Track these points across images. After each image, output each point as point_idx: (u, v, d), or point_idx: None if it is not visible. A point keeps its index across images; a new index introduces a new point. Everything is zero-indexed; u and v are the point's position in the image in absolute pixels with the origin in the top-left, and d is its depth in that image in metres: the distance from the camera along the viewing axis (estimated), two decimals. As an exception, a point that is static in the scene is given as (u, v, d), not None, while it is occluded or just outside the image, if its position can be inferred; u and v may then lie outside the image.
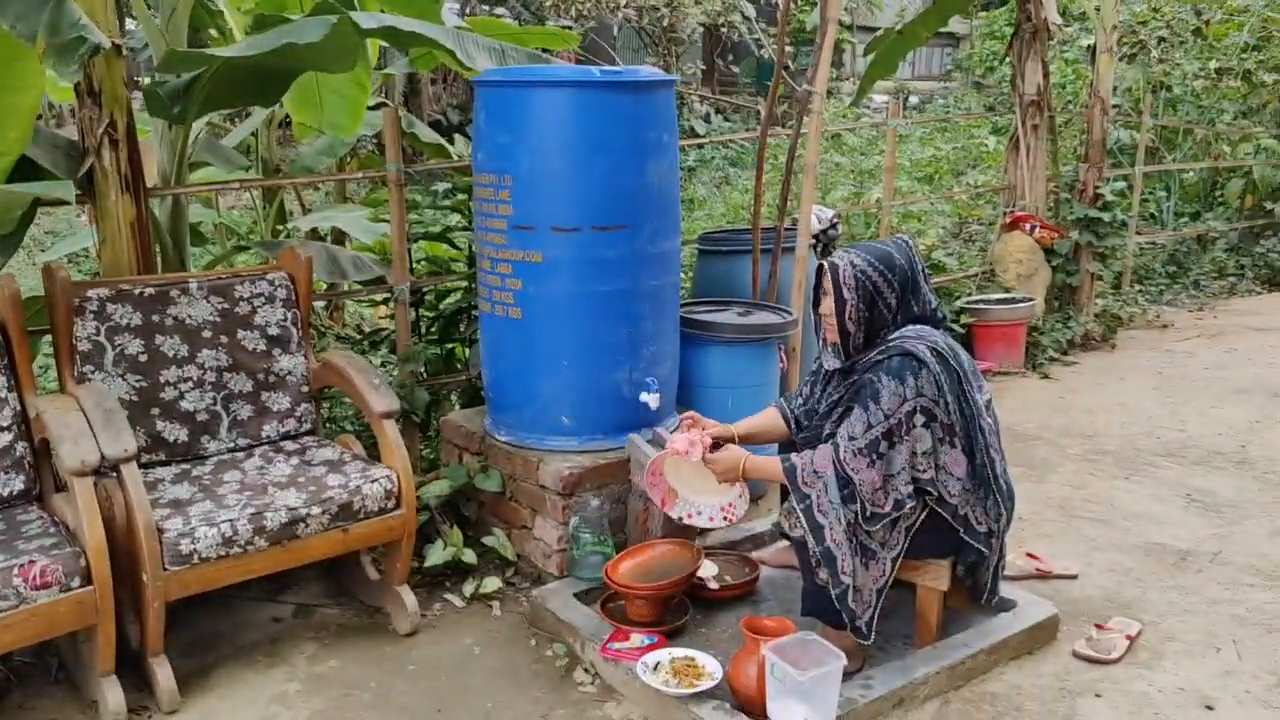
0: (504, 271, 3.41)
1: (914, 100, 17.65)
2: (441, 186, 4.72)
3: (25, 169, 3.30)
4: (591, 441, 3.46)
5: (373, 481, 3.09)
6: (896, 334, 2.84)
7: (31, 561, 2.56)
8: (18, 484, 2.96)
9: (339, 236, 5.99)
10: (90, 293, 3.17)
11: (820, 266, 2.97)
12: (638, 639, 2.95)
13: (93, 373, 3.14)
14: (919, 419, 2.73)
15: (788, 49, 6.50)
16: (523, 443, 3.52)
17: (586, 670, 3.00)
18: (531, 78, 3.40)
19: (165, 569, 2.73)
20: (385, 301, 4.84)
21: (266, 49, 3.09)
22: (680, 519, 3.12)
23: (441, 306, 4.69)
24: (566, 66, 4.03)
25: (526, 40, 4.70)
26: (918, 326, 2.87)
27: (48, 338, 3.22)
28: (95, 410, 2.78)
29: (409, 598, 3.22)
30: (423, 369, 4.23)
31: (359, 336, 5.21)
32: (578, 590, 3.27)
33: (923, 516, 2.81)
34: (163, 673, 2.79)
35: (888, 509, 2.74)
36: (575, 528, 3.32)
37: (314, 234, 5.61)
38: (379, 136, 4.70)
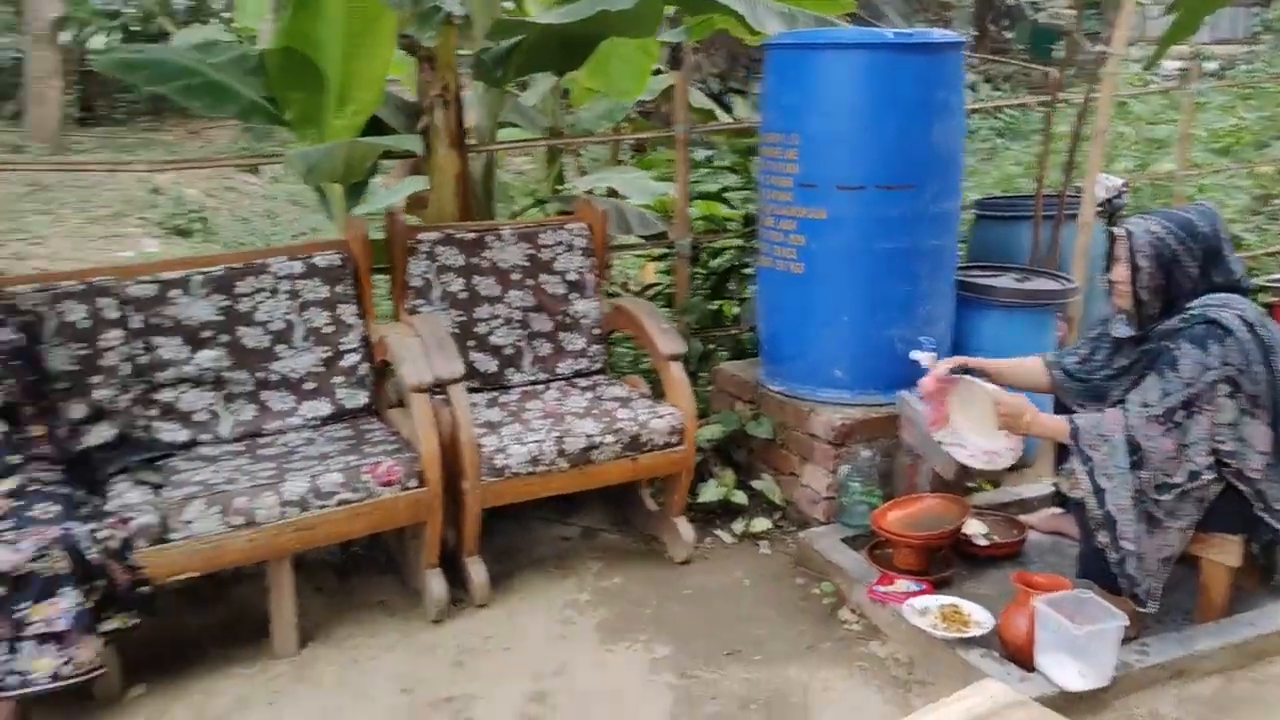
0: (787, 228, 3.56)
1: (1211, 65, 16.25)
2: (702, 154, 4.89)
3: (371, 126, 3.76)
4: (863, 395, 3.57)
5: (659, 417, 3.34)
6: (1199, 302, 2.77)
7: (378, 463, 2.98)
8: (361, 398, 3.43)
9: (613, 195, 6.33)
10: (422, 236, 3.59)
11: (1113, 233, 2.93)
12: (904, 584, 3.06)
13: (422, 306, 3.57)
14: (1223, 388, 2.66)
15: (1069, 11, 6.23)
16: (795, 393, 3.68)
17: (852, 610, 3.14)
18: (825, 40, 3.52)
19: (482, 479, 3.09)
20: (663, 256, 5.12)
21: (582, 16, 3.37)
22: (943, 444, 3.14)
23: (713, 265, 4.91)
24: (857, 29, 4.10)
25: (804, 3, 4.81)
26: (1223, 295, 2.79)
27: (378, 276, 3.66)
28: (430, 337, 3.18)
29: (685, 529, 3.46)
30: (694, 322, 4.47)
31: (633, 291, 5.52)
32: (844, 536, 3.40)
33: (1218, 490, 2.74)
34: (477, 571, 3.17)
35: (1179, 479, 2.70)
36: (845, 476, 3.45)
37: (590, 194, 5.97)
38: (643, 102, 4.93)
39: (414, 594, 3.25)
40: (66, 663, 2.46)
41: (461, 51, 3.85)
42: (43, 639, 2.45)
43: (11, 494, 2.65)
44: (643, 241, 5.01)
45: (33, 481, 2.73)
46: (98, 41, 14.71)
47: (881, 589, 3.06)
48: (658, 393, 3.60)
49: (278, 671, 2.88)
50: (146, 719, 2.67)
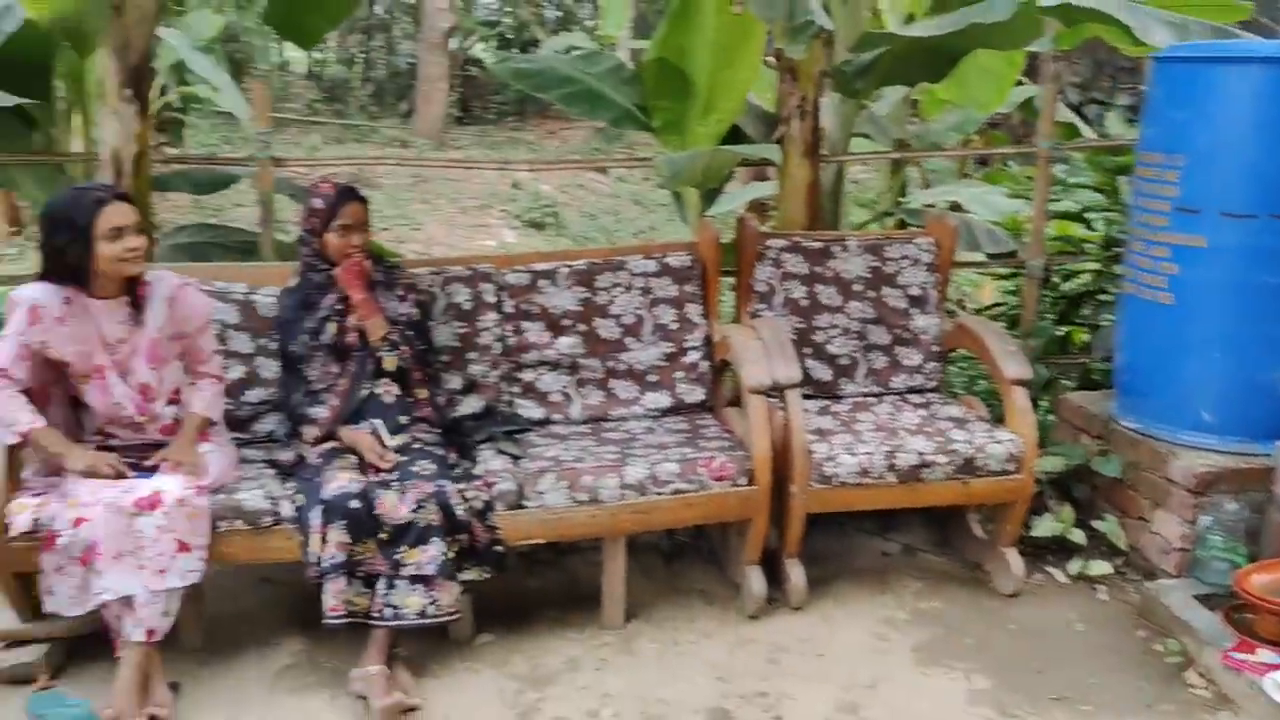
0: (1158, 255, 3.32)
1: None
2: (1059, 168, 4.63)
3: (730, 134, 3.91)
4: (1234, 441, 3.26)
5: (997, 442, 3.23)
6: None
7: (712, 457, 3.11)
8: (699, 394, 3.58)
9: (955, 210, 6.15)
10: (770, 242, 3.69)
11: None
12: (1266, 655, 2.76)
13: (764, 310, 3.67)
14: None
15: None
16: (1153, 432, 3.42)
17: (1200, 674, 2.88)
18: (1222, 53, 3.23)
19: (811, 485, 3.14)
20: (1008, 276, 4.91)
21: (951, 29, 3.32)
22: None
23: (1065, 288, 4.65)
24: (1258, 42, 3.73)
25: (1192, 11, 4.43)
26: None
27: (724, 278, 3.79)
28: (771, 341, 3.27)
29: (1014, 560, 3.32)
30: (1039, 347, 4.26)
31: (971, 310, 5.34)
32: (1198, 593, 3.12)
33: None
34: (796, 573, 3.22)
35: None
36: (1205, 529, 3.17)
37: (930, 208, 5.83)
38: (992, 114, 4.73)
39: (733, 587, 3.35)
40: (432, 603, 2.78)
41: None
42: (414, 580, 2.78)
43: (399, 449, 3.02)
44: (986, 260, 4.84)
45: (416, 440, 3.09)
46: (479, 49, 16.23)
47: (1239, 656, 2.78)
48: (996, 417, 3.48)
49: (604, 641, 3.08)
50: (491, 664, 2.95)
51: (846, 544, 3.68)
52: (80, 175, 3.71)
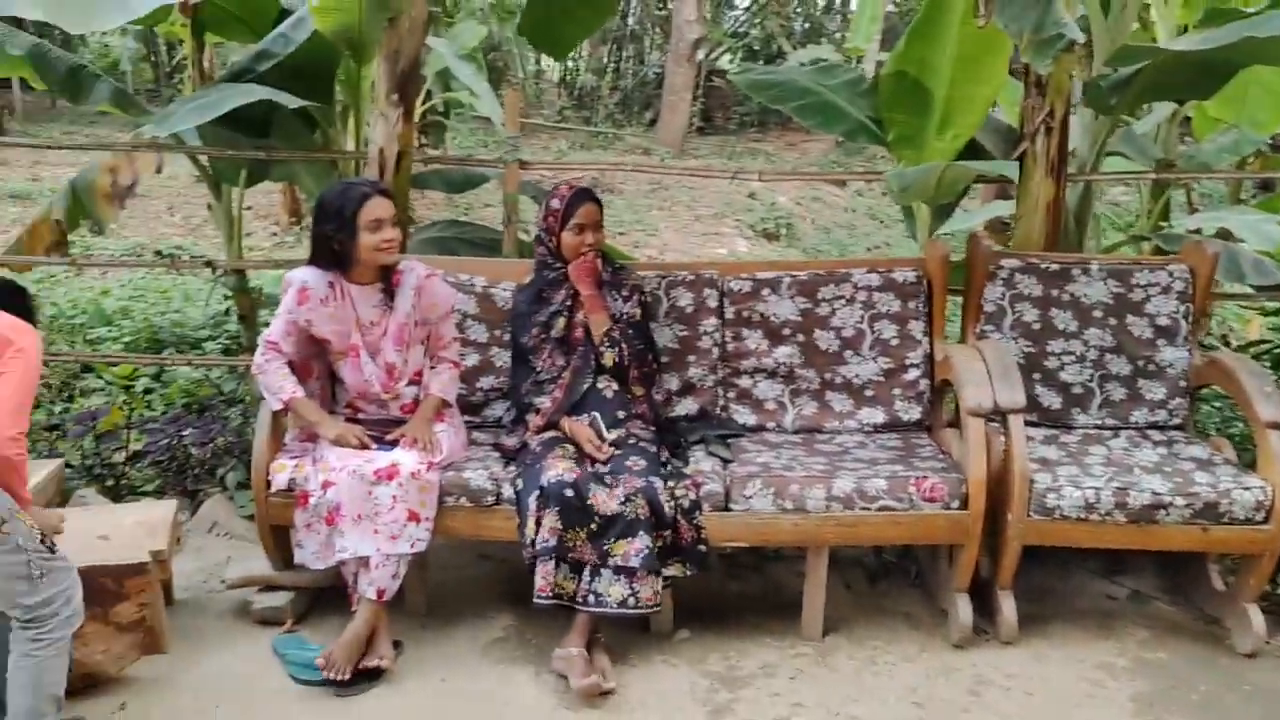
0: None
1: None
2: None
3: (968, 150, 3.80)
4: None
5: (1245, 489, 2.98)
6: None
7: (924, 477, 3.04)
8: (915, 413, 3.51)
9: (1224, 238, 5.67)
10: (1003, 262, 3.56)
11: None
12: None
13: (991, 332, 3.54)
14: None
15: None
16: None
17: None
18: None
19: (1029, 515, 3.01)
20: (1276, 312, 4.51)
21: (1222, 42, 3.09)
22: None
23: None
24: None
25: None
26: None
27: (951, 297, 3.69)
28: (995, 363, 3.16)
29: (1256, 618, 3.05)
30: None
31: (1235, 346, 4.93)
32: None
33: None
34: (1007, 605, 3.10)
35: None
36: None
37: (1195, 234, 5.40)
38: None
39: (938, 613, 3.26)
40: (634, 595, 2.87)
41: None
42: (618, 571, 2.88)
43: (615, 443, 3.14)
44: (1253, 292, 4.45)
45: (632, 436, 3.20)
46: (724, 61, 16.43)
47: None
48: (1246, 461, 3.21)
49: (800, 651, 3.08)
50: (687, 659, 3.02)
51: (1067, 582, 3.49)
52: (350, 171, 4.07)
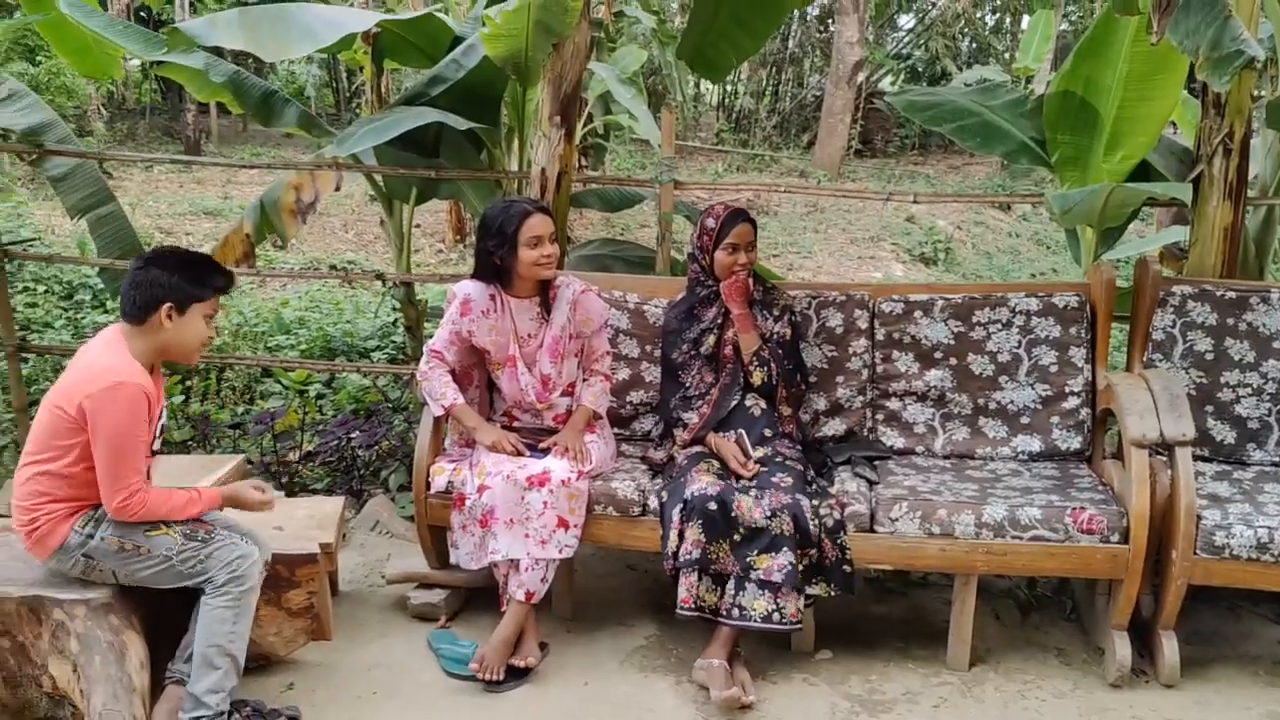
0: None
1: None
2: None
3: (1138, 171, 3.66)
4: None
5: None
6: None
7: (1082, 508, 2.94)
8: (1075, 442, 3.39)
9: None
10: (1175, 289, 3.41)
11: None
12: None
13: (1160, 361, 3.40)
14: None
15: None
16: None
17: None
18: None
19: (1195, 553, 2.86)
20: None
21: None
22: None
23: None
24: None
25: None
26: None
27: (1116, 324, 3.55)
28: (1162, 394, 3.03)
29: None
30: None
31: None
32: None
33: None
34: (1169, 646, 2.95)
35: None
36: None
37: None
38: None
39: (1093, 650, 3.14)
40: (778, 610, 2.88)
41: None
42: (761, 585, 2.90)
43: (761, 460, 3.17)
44: None
45: (778, 454, 3.22)
46: (886, 83, 16.24)
47: None
48: None
49: (945, 680, 3.01)
50: (828, 680, 3.00)
51: (1236, 626, 3.30)
52: (513, 190, 4.25)
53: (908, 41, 17.17)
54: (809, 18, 16.68)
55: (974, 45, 17.10)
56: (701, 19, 4.31)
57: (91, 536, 2.55)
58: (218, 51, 4.38)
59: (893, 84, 16.84)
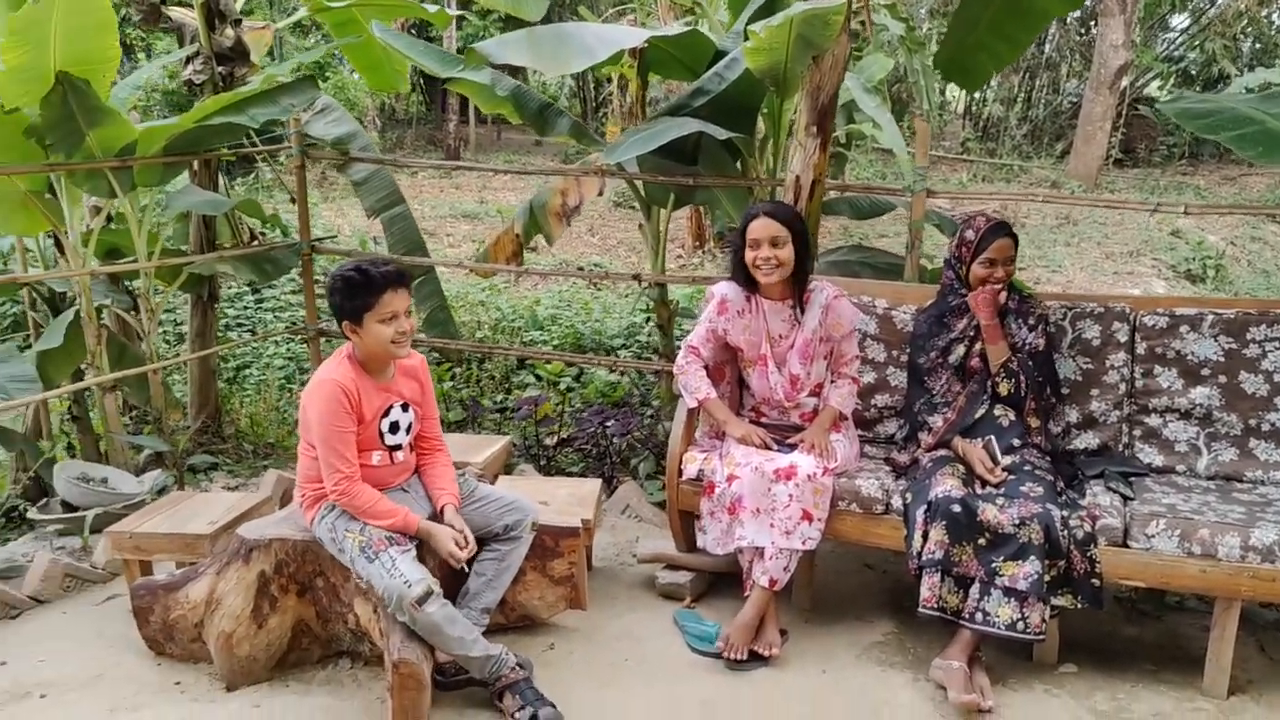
0: None
1: None
2: None
3: None
4: None
5: None
6: None
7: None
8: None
9: None
10: None
11: None
12: None
13: None
14: None
15: None
16: None
17: None
18: None
19: None
20: None
21: None
22: None
23: None
24: None
25: None
26: None
27: None
28: None
29: None
30: None
31: None
32: None
33: None
34: None
35: None
36: None
37: None
38: None
39: (1373, 695, 2.94)
40: (1023, 619, 2.88)
41: None
42: (1007, 592, 2.91)
43: (1009, 469, 3.17)
44: None
45: (1026, 463, 3.20)
46: (1153, 87, 15.26)
47: None
48: None
49: (1200, 706, 2.91)
50: (1071, 693, 2.97)
51: None
52: (765, 196, 4.40)
53: (1180, 43, 16.07)
54: (1069, 21, 15.93)
55: (1258, 46, 15.78)
56: (960, 28, 4.32)
57: (324, 520, 2.92)
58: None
59: (1161, 88, 15.80)
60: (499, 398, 5.79)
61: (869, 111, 6.19)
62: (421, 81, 18.18)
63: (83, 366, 4.59)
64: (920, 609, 2.99)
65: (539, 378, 5.98)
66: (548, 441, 4.69)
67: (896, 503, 3.19)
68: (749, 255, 3.32)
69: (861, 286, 3.89)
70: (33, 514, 4.14)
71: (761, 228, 3.30)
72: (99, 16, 3.72)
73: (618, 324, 7.08)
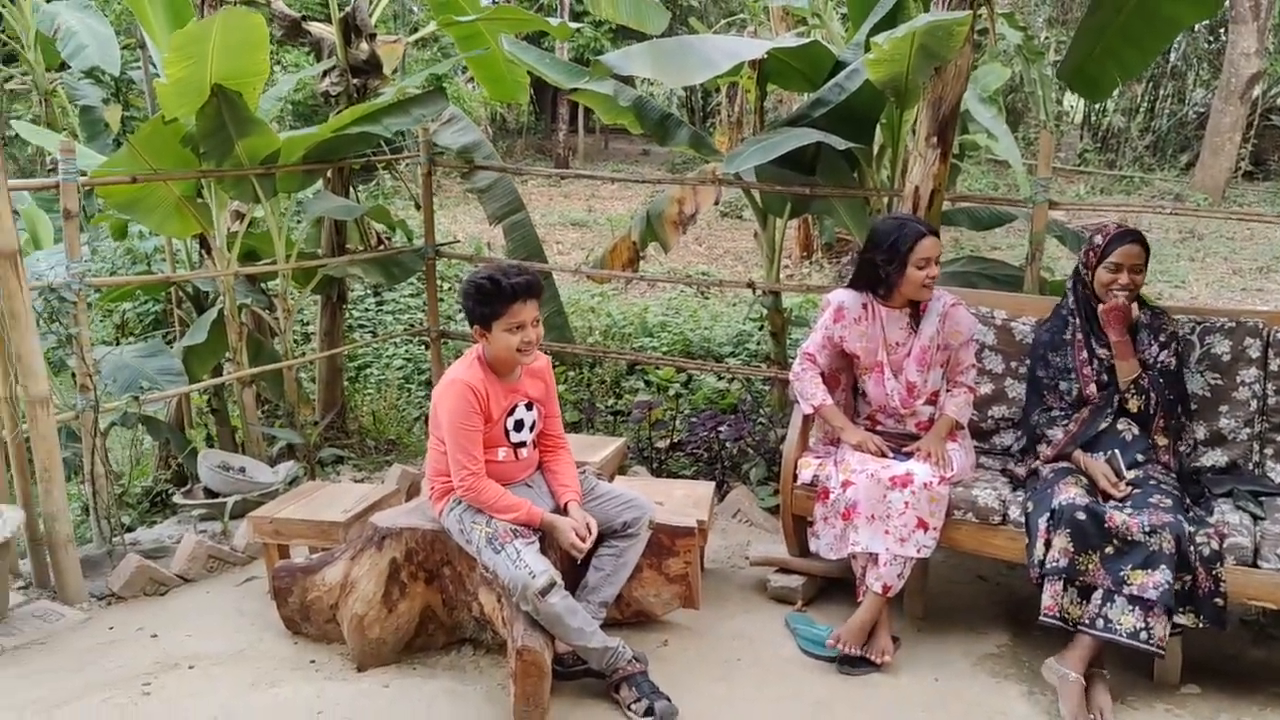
0: None
1: None
2: None
3: None
4: None
5: None
6: None
7: None
8: None
9: None
10: None
11: None
12: None
13: None
14: None
15: None
16: None
17: None
18: None
19: None
20: None
21: None
22: None
23: None
24: None
25: None
26: None
27: None
28: None
29: None
30: None
31: None
32: None
33: None
34: None
35: None
36: None
37: None
38: None
39: None
40: (1146, 629, 2.83)
41: None
42: (1132, 600, 2.85)
43: (1133, 483, 3.12)
44: None
45: (1151, 478, 3.15)
46: (1286, 97, 14.63)
47: None
48: None
49: (1332, 736, 2.84)
50: (1193, 714, 2.91)
51: None
52: (881, 207, 4.42)
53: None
54: (1197, 29, 15.40)
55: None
56: (1087, 36, 4.28)
57: (452, 511, 3.05)
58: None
59: (1293, 98, 15.15)
60: (609, 402, 5.91)
61: (984, 122, 6.14)
62: (532, 92, 18.56)
63: (224, 361, 4.87)
64: (1041, 617, 2.95)
65: (649, 383, 6.08)
66: (660, 445, 4.77)
67: (1014, 513, 3.18)
68: (915, 274, 3.32)
69: (980, 297, 3.88)
70: (178, 498, 4.42)
71: (931, 246, 3.33)
72: (253, 34, 3.95)
73: (725, 332, 7.14)
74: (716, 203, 4.76)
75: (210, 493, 4.37)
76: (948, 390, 3.48)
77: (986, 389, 3.68)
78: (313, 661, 3.20)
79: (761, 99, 4.80)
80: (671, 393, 5.88)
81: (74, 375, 3.92)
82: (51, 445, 3.50)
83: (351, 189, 5.46)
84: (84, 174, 3.98)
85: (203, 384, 4.78)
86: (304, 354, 6.18)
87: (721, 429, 4.50)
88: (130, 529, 4.24)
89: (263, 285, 5.25)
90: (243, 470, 4.48)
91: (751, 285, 4.76)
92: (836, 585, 3.55)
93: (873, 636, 3.18)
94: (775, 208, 4.77)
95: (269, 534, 3.58)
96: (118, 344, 5.44)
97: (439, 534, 3.12)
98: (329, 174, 5.23)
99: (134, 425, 4.59)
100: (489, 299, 2.99)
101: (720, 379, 5.79)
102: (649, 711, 2.83)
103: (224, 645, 3.29)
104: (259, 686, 3.03)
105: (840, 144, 4.09)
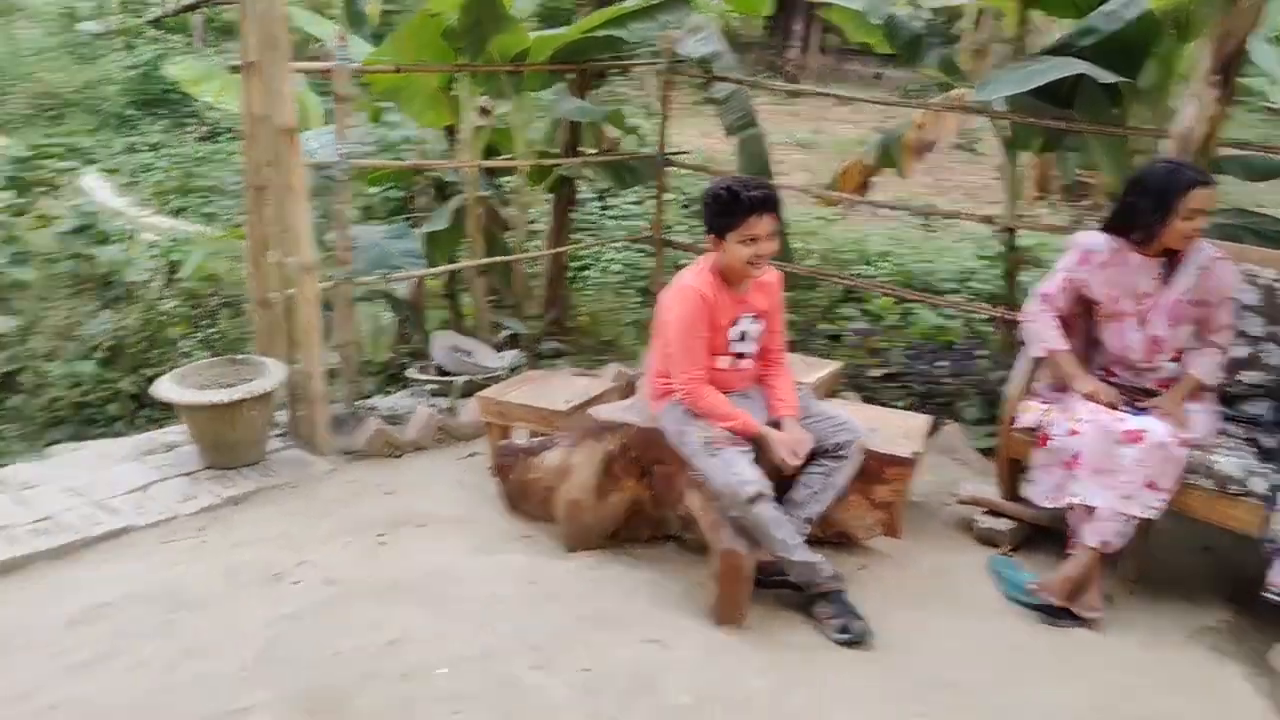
0: None
1: None
2: None
3: None
4: None
5: None
6: None
7: None
8: None
9: None
10: None
11: None
12: None
13: None
14: None
15: None
16: None
17: None
18: None
19: None
20: None
21: None
22: None
23: None
24: None
25: None
26: None
27: None
28: None
29: None
30: None
31: None
32: None
33: None
34: None
35: None
36: None
37: None
38: None
39: None
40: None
41: None
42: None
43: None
44: None
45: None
46: None
47: None
48: None
49: None
50: None
51: None
52: (1145, 149, 4.12)
53: None
54: None
55: None
56: None
57: (671, 412, 3.12)
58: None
59: None
60: (822, 327, 5.86)
61: (1265, 65, 5.58)
62: (818, 10, 18.16)
63: (460, 250, 5.14)
64: (1264, 590, 2.80)
65: (865, 312, 5.98)
66: (873, 373, 4.73)
67: (1257, 485, 2.98)
68: (1183, 225, 3.11)
69: (1244, 253, 3.58)
70: (412, 373, 4.74)
71: (1206, 198, 3.11)
72: (518, -69, 4.07)
73: (948, 267, 6.91)
74: (959, 132, 4.57)
75: (441, 371, 4.67)
76: (1196, 349, 3.27)
77: (1240, 352, 3.42)
78: (527, 536, 3.41)
79: (1022, 24, 4.54)
80: (887, 324, 5.77)
81: (330, 249, 4.24)
82: (313, 310, 3.83)
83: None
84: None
85: (442, 269, 5.07)
86: (533, 250, 6.43)
87: (941, 363, 4.41)
88: (367, 396, 4.60)
89: (498, 181, 5.47)
90: (470, 354, 4.75)
91: (990, 219, 4.57)
92: (1044, 535, 3.45)
93: (1082, 591, 3.08)
94: (1024, 141, 4.54)
95: (494, 414, 3.81)
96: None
97: (654, 433, 3.23)
98: (571, 76, 5.36)
99: (378, 301, 4.94)
100: (726, 209, 3.02)
101: (940, 314, 5.63)
102: (844, 630, 2.87)
103: (450, 510, 3.55)
104: (480, 551, 3.26)
105: (1107, 77, 3.84)
